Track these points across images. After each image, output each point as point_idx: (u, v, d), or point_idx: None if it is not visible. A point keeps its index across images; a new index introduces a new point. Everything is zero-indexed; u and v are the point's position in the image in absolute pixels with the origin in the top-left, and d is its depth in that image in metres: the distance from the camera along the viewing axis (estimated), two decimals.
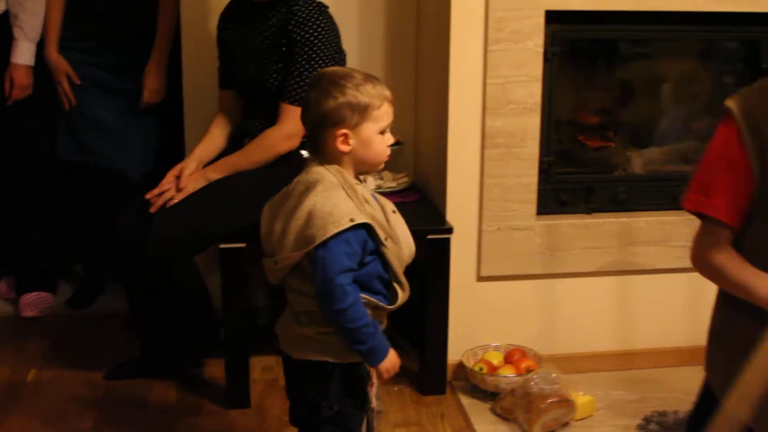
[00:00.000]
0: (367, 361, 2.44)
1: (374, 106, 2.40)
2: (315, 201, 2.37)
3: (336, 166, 2.42)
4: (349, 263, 2.34)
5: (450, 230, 3.50)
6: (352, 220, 2.33)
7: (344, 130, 2.39)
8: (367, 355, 2.42)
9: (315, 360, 2.47)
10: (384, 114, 2.43)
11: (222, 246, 3.34)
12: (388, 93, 2.45)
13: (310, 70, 3.38)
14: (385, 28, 3.99)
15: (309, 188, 2.40)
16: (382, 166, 2.52)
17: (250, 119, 3.59)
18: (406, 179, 3.85)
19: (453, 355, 3.65)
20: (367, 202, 2.41)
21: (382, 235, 2.39)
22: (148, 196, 3.39)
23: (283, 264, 2.43)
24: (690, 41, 3.88)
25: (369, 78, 2.43)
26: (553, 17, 3.49)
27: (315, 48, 3.39)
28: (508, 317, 3.74)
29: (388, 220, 2.52)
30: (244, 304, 3.44)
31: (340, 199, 2.36)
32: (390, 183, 3.77)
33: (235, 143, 3.59)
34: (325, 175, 2.41)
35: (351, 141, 2.40)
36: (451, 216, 3.58)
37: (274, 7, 3.45)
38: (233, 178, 3.42)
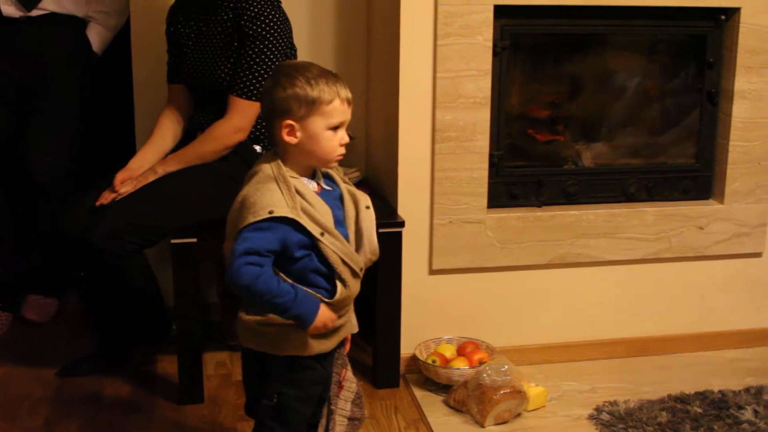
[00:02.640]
0: (299, 326, 2.45)
1: (324, 101, 2.41)
2: (247, 192, 2.43)
3: (277, 160, 2.45)
4: (254, 246, 2.36)
5: (401, 224, 3.51)
6: (271, 212, 2.36)
7: (290, 122, 2.42)
8: (295, 321, 2.44)
9: (259, 350, 2.52)
10: (335, 111, 2.44)
11: (174, 241, 3.33)
12: (344, 92, 2.46)
13: (261, 63, 3.39)
14: (336, 23, 4.00)
15: (249, 179, 2.46)
16: (335, 162, 2.52)
17: (201, 114, 3.58)
18: (357, 174, 3.87)
19: (406, 349, 3.66)
20: (301, 195, 2.43)
21: (315, 230, 2.41)
22: (97, 204, 3.38)
23: (226, 252, 2.46)
24: (638, 36, 3.92)
25: (326, 74, 2.45)
26: (502, 12, 3.52)
27: (267, 42, 3.40)
28: (460, 310, 3.76)
29: (358, 215, 2.56)
30: (196, 300, 3.43)
31: (268, 191, 2.40)
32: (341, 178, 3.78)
33: (187, 138, 3.59)
34: (263, 167, 2.46)
35: (297, 133, 2.43)
36: (403, 210, 3.59)
37: (225, 2, 3.45)
38: (184, 172, 3.42)
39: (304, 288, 2.45)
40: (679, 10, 3.73)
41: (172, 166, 3.43)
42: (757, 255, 4.02)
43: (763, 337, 4.11)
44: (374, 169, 3.97)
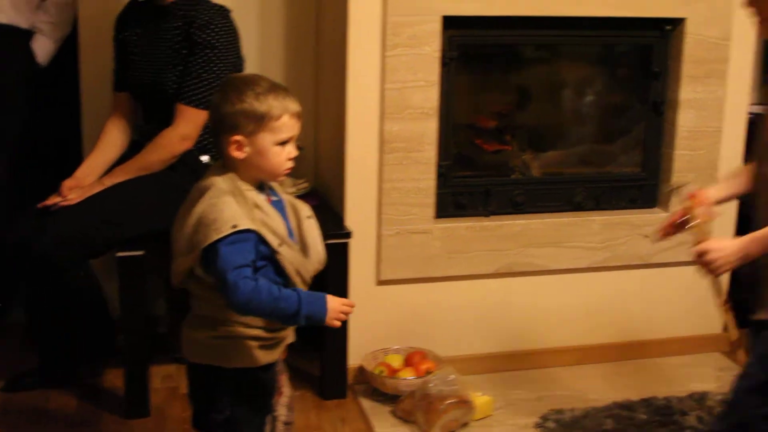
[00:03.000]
0: (314, 324, 2.42)
1: (272, 116, 2.39)
2: (203, 208, 2.38)
3: (230, 173, 2.42)
4: (240, 260, 2.33)
5: (348, 235, 3.51)
6: (234, 227, 2.33)
7: (238, 137, 2.39)
8: (308, 322, 2.39)
9: (207, 364, 2.49)
10: (283, 126, 2.41)
11: (119, 254, 3.31)
12: (292, 106, 2.43)
13: (209, 72, 3.38)
14: (285, 34, 3.98)
15: (201, 195, 2.42)
16: (283, 176, 2.50)
17: (148, 123, 3.56)
18: (306, 185, 3.85)
19: (354, 359, 3.66)
20: (258, 207, 2.41)
21: (274, 242, 2.39)
22: (40, 206, 3.34)
23: (177, 269, 2.44)
24: (585, 46, 3.94)
25: (274, 88, 2.42)
26: (450, 22, 3.53)
27: (215, 51, 3.39)
28: (408, 320, 3.76)
29: (300, 225, 2.54)
30: (142, 312, 3.41)
31: (227, 205, 2.37)
32: (290, 189, 3.76)
33: (135, 148, 3.56)
34: (216, 181, 2.42)
35: (245, 149, 2.40)
36: (351, 220, 3.59)
37: (175, 10, 3.43)
38: (131, 182, 3.39)
39: None
40: (625, 21, 3.76)
41: (119, 177, 3.41)
42: None
43: (707, 344, 4.15)
44: (323, 179, 3.97)
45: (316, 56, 3.99)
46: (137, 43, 3.54)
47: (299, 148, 3.75)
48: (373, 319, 3.71)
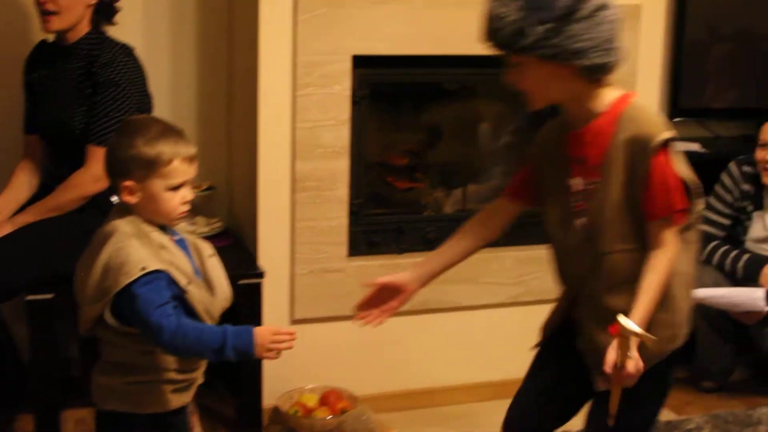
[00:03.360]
0: (243, 359, 2.39)
1: (162, 162, 2.36)
2: (109, 253, 2.35)
3: (132, 216, 2.40)
4: (159, 299, 2.31)
5: (261, 274, 3.50)
6: (143, 269, 2.31)
7: (128, 183, 2.38)
8: (237, 355, 2.35)
9: (119, 410, 2.45)
10: (175, 171, 2.39)
11: (29, 298, 3.26)
12: (185, 150, 2.41)
13: (116, 110, 3.35)
14: (197, 72, 3.97)
15: (105, 240, 2.39)
16: (178, 221, 2.48)
17: (58, 166, 3.52)
18: (219, 224, 3.83)
19: (268, 399, 3.64)
20: (164, 248, 2.39)
21: (182, 281, 2.38)
22: None
23: (85, 317, 2.41)
24: (495, 85, 3.98)
25: (167, 132, 2.40)
26: (360, 62, 3.56)
27: (120, 89, 3.36)
28: (323, 359, 3.76)
29: (203, 264, 2.53)
30: (53, 356, 3.36)
31: (133, 249, 2.34)
32: (203, 228, 3.74)
33: (45, 190, 3.52)
34: (118, 225, 2.39)
35: (137, 194, 2.39)
36: (264, 260, 3.58)
37: (78, 50, 3.41)
38: (41, 224, 3.35)
39: None
40: None
41: (30, 217, 3.36)
42: None
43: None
44: (236, 219, 3.95)
45: (229, 95, 3.99)
46: (43, 84, 3.50)
47: (210, 187, 3.79)
48: (288, 358, 3.63)
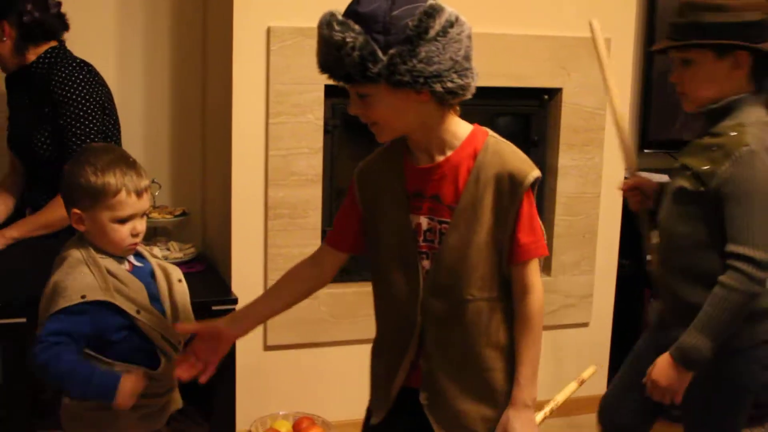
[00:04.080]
0: (104, 401, 2.38)
1: (108, 194, 2.37)
2: (58, 277, 2.40)
3: (85, 243, 2.43)
4: (63, 326, 2.33)
5: (235, 301, 3.52)
6: (83, 297, 2.34)
7: (77, 211, 2.40)
8: (98, 398, 2.38)
9: None
10: (121, 203, 2.39)
11: (1, 321, 3.27)
12: (133, 183, 2.40)
13: (80, 127, 3.36)
14: (171, 99, 4.02)
15: (59, 265, 2.43)
16: (130, 251, 2.48)
17: (31, 186, 3.53)
18: (192, 250, 3.86)
19: (242, 425, 3.65)
20: (113, 275, 2.41)
21: (131, 309, 2.40)
22: None
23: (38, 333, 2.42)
24: (465, 115, 4.02)
25: (117, 163, 2.40)
26: (332, 91, 3.59)
27: (80, 105, 3.36)
28: (296, 385, 3.77)
29: (171, 288, 2.54)
30: (25, 381, 3.36)
31: (79, 275, 2.37)
32: (176, 253, 3.77)
33: (18, 215, 3.54)
34: (72, 252, 2.43)
35: (85, 223, 2.41)
36: (237, 286, 3.60)
37: (36, 70, 3.42)
38: (11, 249, 3.36)
39: (122, 365, 2.43)
40: (505, 91, 3.87)
41: (16, 232, 3.38)
42: (584, 325, 4.16)
43: (592, 404, 4.21)
44: (209, 245, 3.98)
45: (203, 121, 4.03)
46: (11, 104, 3.53)
47: (184, 212, 3.81)
48: (261, 385, 3.72)
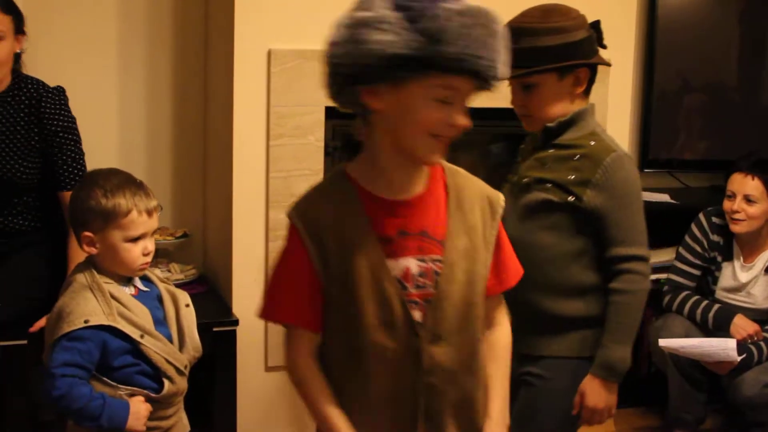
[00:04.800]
0: (116, 428, 2.41)
1: (120, 214, 2.41)
2: (63, 302, 2.43)
3: (90, 268, 2.46)
4: (76, 358, 2.36)
5: (236, 322, 3.53)
6: (86, 321, 2.36)
7: (88, 234, 2.43)
8: (110, 425, 2.40)
9: None
10: (132, 223, 2.43)
11: (2, 344, 3.27)
12: (144, 203, 2.45)
13: (76, 153, 3.41)
14: (173, 120, 4.04)
15: (65, 289, 2.46)
16: (140, 271, 2.52)
17: (10, 216, 3.47)
18: (193, 271, 3.87)
19: None
20: (117, 300, 2.43)
21: (135, 333, 2.41)
22: None
23: (45, 361, 2.44)
24: (470, 135, 4.02)
25: (126, 184, 2.45)
26: (333, 113, 3.56)
27: (72, 132, 3.41)
28: (297, 406, 3.76)
29: (178, 313, 2.56)
30: (25, 402, 3.37)
31: (83, 300, 2.40)
32: (178, 275, 3.78)
33: None
34: (77, 277, 2.46)
35: (96, 245, 2.43)
36: (238, 308, 3.61)
37: (11, 98, 3.38)
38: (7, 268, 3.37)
39: (127, 388, 2.44)
40: (505, 110, 3.85)
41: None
42: None
43: None
44: (211, 266, 3.99)
45: (204, 143, 4.05)
46: None
47: (185, 234, 3.82)
48: (262, 406, 3.72)
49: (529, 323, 2.56)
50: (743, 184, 3.97)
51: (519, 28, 2.50)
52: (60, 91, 3.44)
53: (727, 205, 4.02)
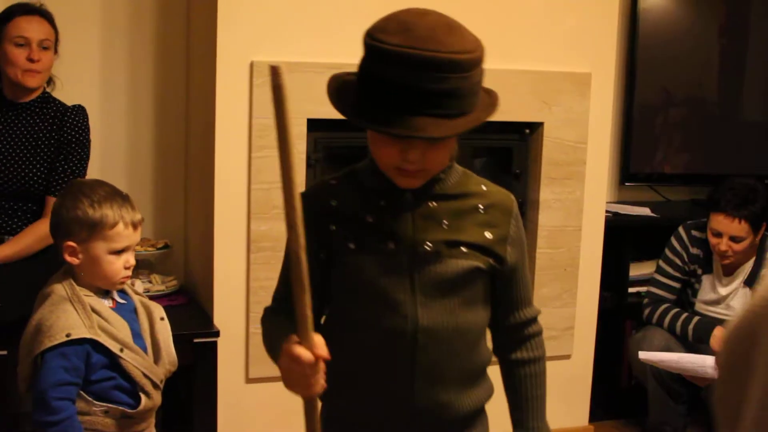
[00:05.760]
0: None
1: (106, 225, 2.40)
2: (41, 314, 2.40)
3: (69, 279, 2.44)
4: (66, 377, 2.34)
5: (216, 333, 3.53)
6: (68, 335, 2.34)
7: (71, 243, 2.41)
8: None
9: None
10: (118, 235, 2.42)
11: None
12: (129, 216, 2.44)
13: (79, 167, 3.47)
14: (155, 131, 4.04)
15: (42, 301, 2.43)
16: (120, 285, 2.51)
17: (16, 218, 3.52)
18: (174, 282, 3.87)
19: None
20: (97, 313, 2.41)
21: (114, 347, 2.40)
22: None
23: (20, 375, 2.43)
24: None
25: (113, 196, 2.44)
26: (315, 125, 3.61)
27: (85, 149, 3.50)
28: (278, 418, 3.76)
29: (152, 327, 2.55)
30: (4, 411, 3.36)
31: (63, 313, 2.38)
32: (159, 286, 3.78)
33: None
34: (55, 288, 2.43)
35: (79, 255, 2.42)
36: (219, 319, 3.61)
37: (36, 108, 3.48)
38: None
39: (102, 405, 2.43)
40: (487, 124, 3.84)
41: (10, 252, 3.38)
42: (566, 357, 4.17)
43: None
44: (192, 277, 3.99)
45: (186, 155, 4.05)
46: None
47: (166, 245, 3.82)
48: (243, 417, 3.71)
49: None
50: (729, 227, 3.93)
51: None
52: (82, 109, 3.55)
53: (713, 241, 3.99)
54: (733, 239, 3.94)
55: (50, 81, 3.61)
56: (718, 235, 3.96)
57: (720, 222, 3.94)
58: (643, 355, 3.95)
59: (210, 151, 3.59)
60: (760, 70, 5.04)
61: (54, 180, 3.45)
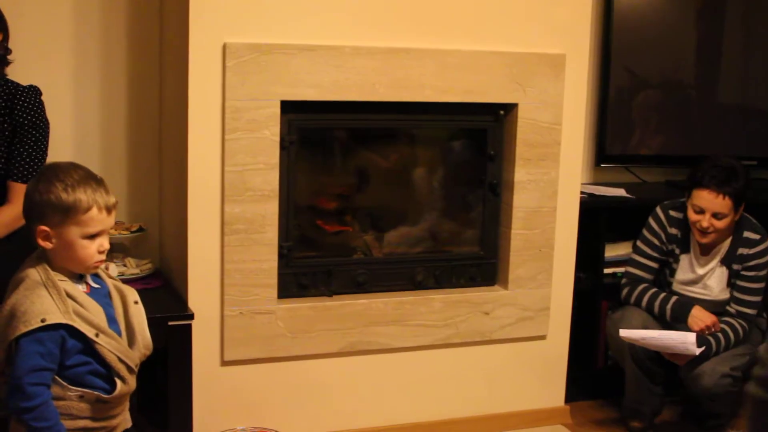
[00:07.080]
0: None
1: (79, 209, 2.38)
2: (16, 299, 2.38)
3: (43, 264, 2.42)
4: (41, 362, 2.33)
5: (191, 316, 3.52)
6: (43, 321, 2.33)
7: (44, 228, 2.39)
8: None
9: None
10: (92, 219, 2.41)
11: None
12: (103, 200, 2.42)
13: (37, 150, 3.42)
14: (127, 114, 4.01)
15: (16, 286, 2.41)
16: (94, 269, 2.49)
17: None
18: (149, 266, 3.85)
19: None
20: (72, 298, 2.40)
21: (90, 332, 2.39)
22: None
23: None
24: (423, 130, 4.06)
25: (87, 180, 2.42)
26: (288, 107, 3.60)
27: (39, 131, 3.43)
28: (254, 400, 3.77)
29: (126, 311, 2.54)
30: None
31: (38, 298, 2.36)
32: (133, 269, 3.76)
33: None
34: (30, 273, 2.41)
35: (52, 240, 2.40)
36: (194, 301, 3.60)
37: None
38: None
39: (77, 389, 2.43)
40: (461, 106, 3.88)
41: None
42: (542, 338, 4.18)
43: (549, 416, 4.26)
44: (166, 260, 3.98)
45: (159, 137, 4.03)
46: None
47: (141, 228, 3.81)
48: (218, 400, 3.71)
49: None
50: (712, 202, 3.94)
51: None
52: (34, 89, 3.48)
53: (694, 217, 3.99)
54: (716, 216, 3.95)
55: (5, 61, 3.51)
56: (701, 212, 3.97)
57: (703, 198, 3.95)
58: (624, 332, 3.96)
59: (183, 133, 3.57)
60: (736, 52, 5.04)
61: (13, 165, 3.42)
